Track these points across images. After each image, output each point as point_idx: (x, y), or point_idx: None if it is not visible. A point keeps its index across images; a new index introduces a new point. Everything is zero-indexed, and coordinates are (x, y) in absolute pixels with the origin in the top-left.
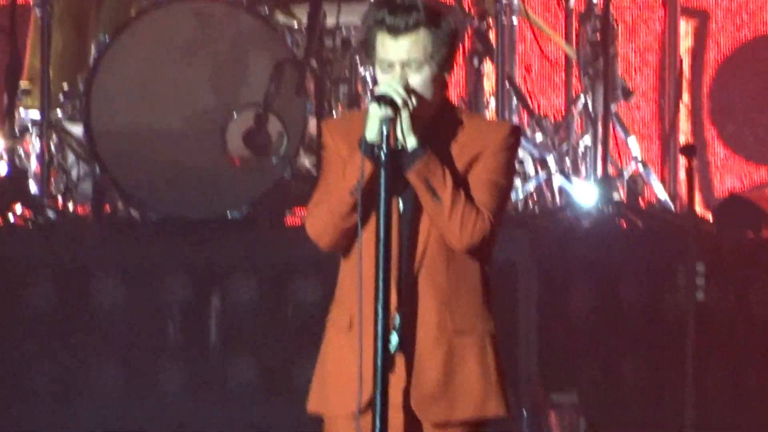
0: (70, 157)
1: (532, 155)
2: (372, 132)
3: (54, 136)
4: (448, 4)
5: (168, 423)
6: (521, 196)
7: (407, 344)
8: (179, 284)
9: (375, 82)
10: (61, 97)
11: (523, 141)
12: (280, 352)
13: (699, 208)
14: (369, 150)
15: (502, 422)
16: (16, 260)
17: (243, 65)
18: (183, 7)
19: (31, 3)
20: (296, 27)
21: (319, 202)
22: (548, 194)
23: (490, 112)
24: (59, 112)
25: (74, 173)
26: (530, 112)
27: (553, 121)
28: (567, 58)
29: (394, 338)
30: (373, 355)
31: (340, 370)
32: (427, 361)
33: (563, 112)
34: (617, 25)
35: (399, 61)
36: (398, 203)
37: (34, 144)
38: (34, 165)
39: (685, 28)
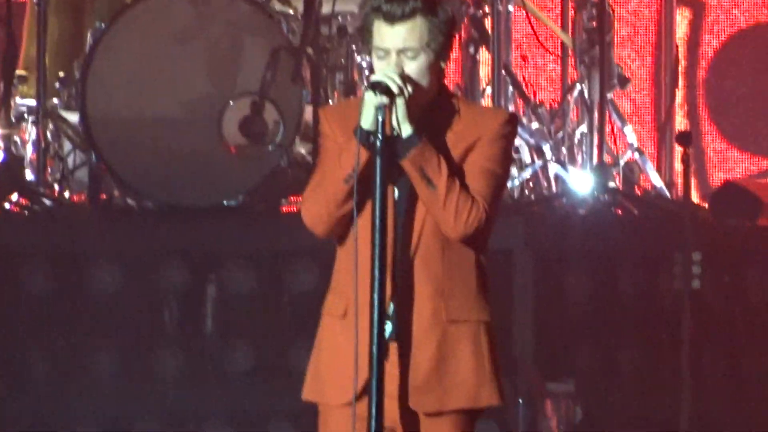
0: (67, 145)
1: (528, 143)
2: (367, 120)
3: (50, 124)
4: None
5: (164, 409)
6: (517, 184)
7: (401, 333)
8: (175, 272)
9: (371, 69)
10: (57, 84)
11: (519, 129)
12: (276, 339)
13: (694, 197)
14: (364, 138)
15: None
16: (12, 248)
17: (239, 53)
18: None
19: None
20: (292, 14)
21: (314, 190)
22: (544, 182)
23: (486, 100)
24: (55, 100)
25: (70, 161)
26: (526, 100)
27: (549, 108)
28: (563, 45)
29: (388, 327)
30: (369, 343)
31: (334, 359)
32: (421, 350)
33: (559, 99)
34: (613, 12)
35: (395, 48)
36: (393, 191)
37: (30, 132)
38: (30, 153)
39: (681, 17)
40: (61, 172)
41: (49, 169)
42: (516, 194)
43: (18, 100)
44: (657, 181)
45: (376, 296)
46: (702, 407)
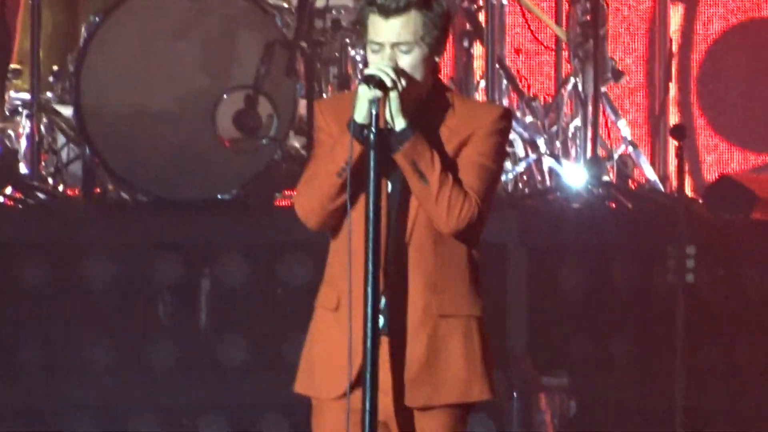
0: (60, 139)
1: (522, 137)
2: (361, 113)
3: (44, 118)
4: None
5: (158, 402)
6: (511, 178)
7: (392, 327)
8: (169, 265)
9: (365, 63)
10: (51, 78)
11: (513, 123)
12: (270, 333)
13: (687, 191)
14: (358, 131)
15: (493, 405)
16: (6, 241)
17: (233, 46)
18: None
19: None
20: (287, 8)
21: (307, 183)
22: (538, 176)
23: (479, 94)
24: (49, 94)
25: (64, 154)
26: (520, 94)
27: (542, 102)
28: (557, 39)
29: (380, 320)
30: (363, 337)
31: (327, 352)
32: (412, 345)
33: (553, 93)
34: (607, 6)
35: (389, 42)
36: (386, 185)
37: (24, 125)
38: (24, 146)
39: (674, 11)
40: (55, 165)
41: (43, 163)
42: (510, 188)
43: (12, 93)
44: (651, 174)
45: (369, 290)
46: (696, 400)
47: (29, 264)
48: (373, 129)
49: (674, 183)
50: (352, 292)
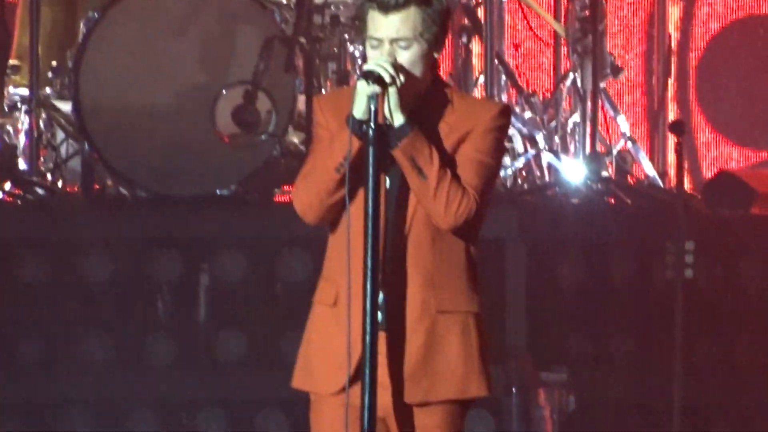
0: (59, 134)
1: (520, 132)
2: (359, 109)
3: (43, 114)
4: None
5: (157, 398)
6: (510, 173)
7: (390, 322)
8: (168, 261)
9: (364, 59)
10: (49, 74)
11: (512, 118)
12: (268, 329)
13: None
14: (356, 127)
15: (492, 400)
16: (5, 237)
17: (232, 42)
18: None
19: None
20: (285, 4)
21: (305, 177)
22: (537, 171)
23: (478, 89)
24: (48, 90)
25: (63, 150)
26: (519, 90)
27: (541, 98)
28: (556, 35)
29: (378, 316)
30: (362, 332)
31: (325, 347)
32: (410, 340)
33: (552, 89)
34: (606, 1)
35: (388, 38)
36: (384, 180)
37: (23, 121)
38: (23, 142)
39: (673, 7)
40: (54, 161)
41: (42, 159)
42: (509, 183)
43: (11, 89)
44: (650, 170)
45: (368, 285)
46: (694, 395)
47: (28, 260)
48: (372, 125)
49: (673, 179)
50: (351, 287)
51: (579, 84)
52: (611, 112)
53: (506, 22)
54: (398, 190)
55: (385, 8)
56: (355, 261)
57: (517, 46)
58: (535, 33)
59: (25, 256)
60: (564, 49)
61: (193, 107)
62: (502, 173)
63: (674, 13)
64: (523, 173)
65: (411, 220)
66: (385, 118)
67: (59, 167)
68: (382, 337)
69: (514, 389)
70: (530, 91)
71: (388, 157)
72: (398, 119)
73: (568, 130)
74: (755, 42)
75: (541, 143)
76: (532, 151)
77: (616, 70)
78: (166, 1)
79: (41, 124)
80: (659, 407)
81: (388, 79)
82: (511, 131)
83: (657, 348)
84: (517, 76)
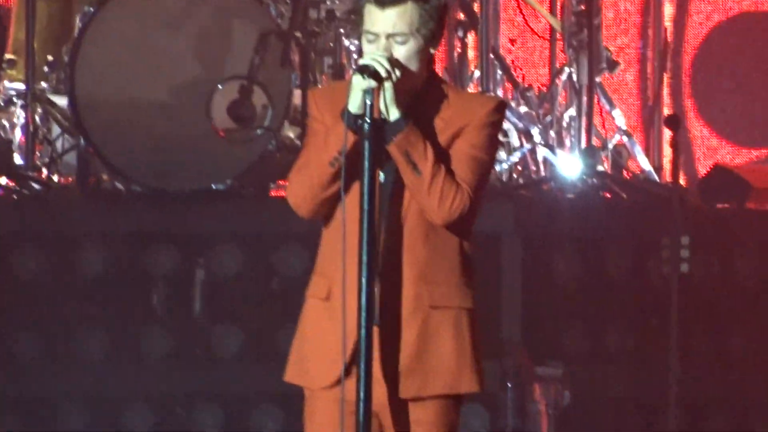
0: (55, 129)
1: (516, 127)
2: (355, 103)
3: (39, 108)
4: None
5: (153, 392)
6: (506, 168)
7: (383, 317)
8: (164, 255)
9: (360, 53)
10: (45, 68)
11: (507, 113)
12: (264, 323)
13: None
14: (351, 121)
15: (487, 395)
16: (1, 232)
17: (228, 37)
18: None
19: None
20: None
21: (300, 171)
22: (533, 166)
23: (473, 84)
24: (44, 84)
25: (59, 145)
26: (514, 84)
27: (537, 92)
28: (551, 29)
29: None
30: (357, 326)
31: (318, 342)
32: (402, 335)
33: (548, 83)
34: None
35: (384, 32)
36: (379, 175)
37: (18, 115)
38: (18, 136)
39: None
40: (50, 155)
41: (38, 153)
42: (504, 178)
43: (6, 83)
44: (645, 164)
45: (364, 280)
46: (690, 390)
47: (24, 254)
48: (368, 119)
49: (668, 173)
50: (341, 281)
51: (575, 78)
52: (607, 107)
53: (502, 17)
54: (392, 184)
55: (382, 3)
56: (349, 255)
57: (512, 41)
58: (530, 27)
59: (21, 250)
60: (560, 44)
61: (188, 102)
62: (497, 168)
63: (669, 8)
64: (519, 168)
65: (404, 215)
66: (380, 112)
67: (55, 162)
68: (375, 331)
69: (509, 384)
70: (526, 85)
71: (382, 151)
72: (393, 114)
73: (564, 125)
74: (750, 39)
75: (537, 138)
76: (527, 146)
77: (612, 65)
78: None
79: (37, 119)
80: (655, 402)
81: (383, 74)
82: (507, 126)
83: (653, 342)
84: (512, 70)
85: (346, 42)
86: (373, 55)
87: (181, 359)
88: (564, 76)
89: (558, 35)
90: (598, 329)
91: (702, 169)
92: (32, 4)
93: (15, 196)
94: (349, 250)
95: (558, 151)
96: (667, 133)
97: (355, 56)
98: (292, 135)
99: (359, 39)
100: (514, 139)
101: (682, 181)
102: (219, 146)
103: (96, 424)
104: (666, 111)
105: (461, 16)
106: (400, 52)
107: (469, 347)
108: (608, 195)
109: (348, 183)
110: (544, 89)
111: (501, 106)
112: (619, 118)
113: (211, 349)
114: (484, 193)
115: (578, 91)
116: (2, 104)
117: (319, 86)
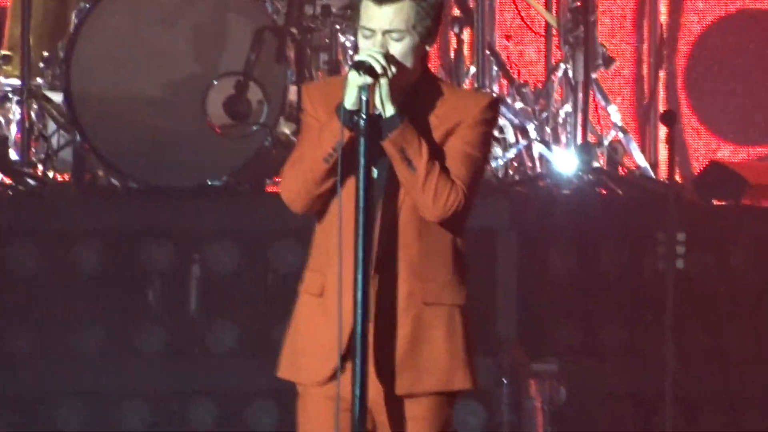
0: (51, 125)
1: (512, 123)
2: (350, 99)
3: (34, 104)
4: None
5: (148, 386)
6: (501, 164)
7: (376, 313)
8: (159, 251)
9: (356, 49)
10: (41, 64)
11: (503, 109)
12: (260, 319)
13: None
14: (347, 117)
15: (483, 391)
16: None
17: (223, 32)
18: None
19: None
20: None
21: (293, 166)
22: (528, 162)
23: (468, 80)
24: (39, 80)
25: (54, 141)
26: (510, 80)
27: (533, 88)
28: (547, 25)
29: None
30: (353, 322)
31: (311, 338)
32: (395, 332)
33: (543, 79)
34: None
35: (381, 29)
36: (372, 171)
37: (14, 111)
38: (14, 132)
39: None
40: (46, 151)
41: (34, 149)
42: (500, 174)
43: (2, 79)
44: (641, 160)
45: (359, 276)
46: (686, 386)
47: (19, 250)
48: (363, 115)
49: (664, 170)
50: (334, 277)
51: (570, 74)
52: (602, 103)
53: (497, 13)
54: (386, 181)
55: None
56: (344, 251)
57: (508, 37)
58: (526, 23)
59: (17, 246)
60: (555, 40)
61: (184, 98)
62: (493, 164)
63: (664, 4)
64: (515, 164)
65: (398, 211)
66: (375, 108)
67: (51, 158)
68: (369, 327)
69: (504, 380)
70: (521, 81)
71: (376, 147)
72: (389, 110)
73: (560, 121)
74: (746, 36)
75: (533, 134)
76: (523, 142)
77: (608, 61)
78: None
79: (33, 115)
80: (651, 397)
81: (379, 70)
82: (503, 122)
83: (648, 338)
84: (508, 66)
85: (342, 38)
86: (369, 52)
87: (176, 355)
88: (560, 73)
89: (554, 31)
90: (593, 325)
91: (697, 166)
92: (28, 0)
93: (10, 192)
94: (344, 245)
95: (554, 147)
96: (662, 130)
97: (350, 52)
98: (287, 131)
99: (355, 35)
100: (510, 136)
101: (677, 178)
102: (215, 142)
103: (92, 421)
104: (661, 107)
105: (457, 12)
106: (396, 48)
107: (461, 344)
108: (604, 191)
109: (342, 179)
110: (540, 85)
111: (495, 104)
112: (615, 114)
113: (207, 344)
114: (478, 190)
115: (574, 87)
116: None
117: (313, 81)
